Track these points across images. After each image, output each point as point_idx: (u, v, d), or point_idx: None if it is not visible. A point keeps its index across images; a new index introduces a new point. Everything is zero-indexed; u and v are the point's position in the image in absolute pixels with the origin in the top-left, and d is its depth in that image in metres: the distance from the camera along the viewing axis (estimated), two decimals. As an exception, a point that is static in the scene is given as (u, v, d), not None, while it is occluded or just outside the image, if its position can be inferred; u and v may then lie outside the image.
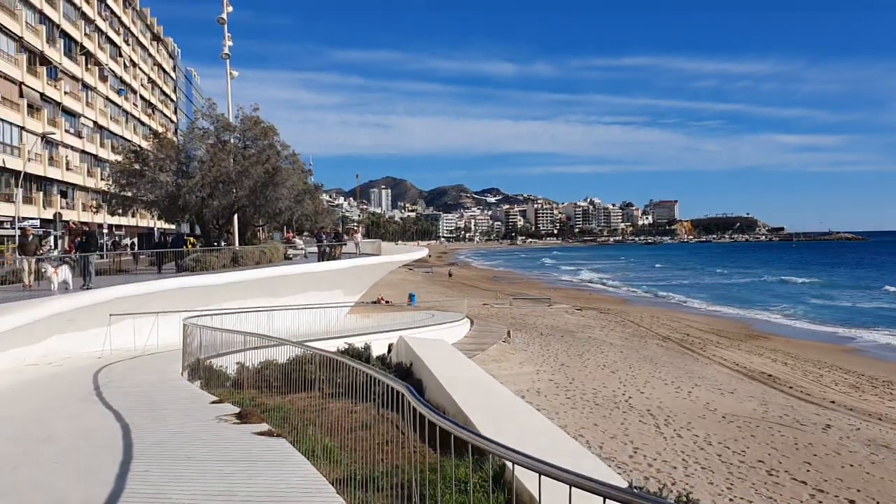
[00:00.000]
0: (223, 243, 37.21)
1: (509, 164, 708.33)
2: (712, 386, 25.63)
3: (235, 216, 37.65)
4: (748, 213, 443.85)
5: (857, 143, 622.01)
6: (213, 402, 10.48)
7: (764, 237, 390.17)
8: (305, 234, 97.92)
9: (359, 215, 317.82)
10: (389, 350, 23.37)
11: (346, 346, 14.80)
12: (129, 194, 36.30)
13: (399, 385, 5.59)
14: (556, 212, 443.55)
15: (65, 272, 20.15)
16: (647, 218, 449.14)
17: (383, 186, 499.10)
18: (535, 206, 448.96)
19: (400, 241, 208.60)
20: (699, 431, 18.92)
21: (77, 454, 7.43)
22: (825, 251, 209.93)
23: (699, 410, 21.31)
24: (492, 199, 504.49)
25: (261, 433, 8.06)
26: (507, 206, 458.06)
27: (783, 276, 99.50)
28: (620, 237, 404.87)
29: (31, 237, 25.05)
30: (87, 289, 19.23)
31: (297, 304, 26.19)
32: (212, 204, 34.85)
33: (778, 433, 18.90)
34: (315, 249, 38.88)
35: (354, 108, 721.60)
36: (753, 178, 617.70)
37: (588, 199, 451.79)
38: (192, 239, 42.16)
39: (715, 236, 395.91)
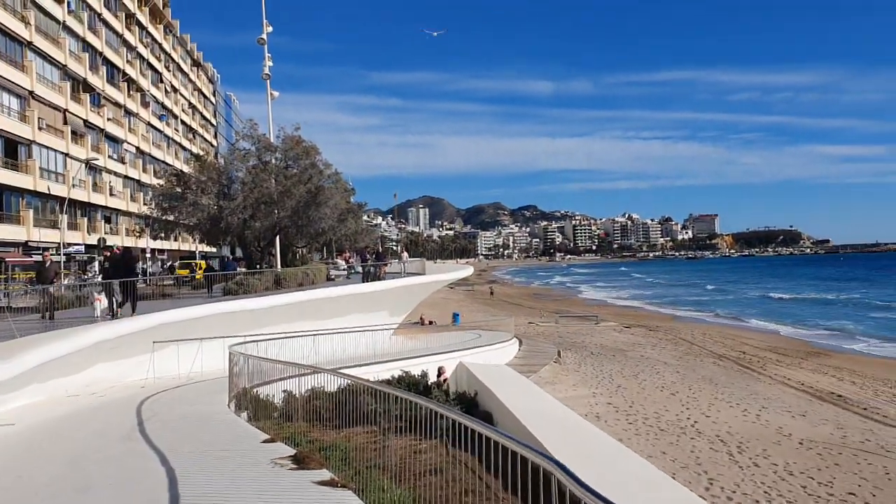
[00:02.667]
0: (265, 265, 36.75)
1: (546, 181, 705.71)
2: (781, 408, 24.15)
3: (277, 237, 37.18)
4: (791, 226, 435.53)
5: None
6: (265, 441, 9.62)
7: (809, 250, 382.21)
8: (346, 253, 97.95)
9: (397, 234, 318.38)
10: (439, 373, 22.40)
11: (402, 373, 13.87)
12: (171, 218, 36.08)
13: (547, 463, 4.16)
14: (594, 228, 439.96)
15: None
16: (686, 233, 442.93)
17: (421, 205, 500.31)
18: (573, 222, 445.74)
19: (438, 260, 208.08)
20: (777, 460, 17.57)
21: (117, 509, 6.59)
22: (875, 263, 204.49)
23: (772, 436, 19.91)
24: (529, 216, 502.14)
25: (322, 482, 7.14)
26: (544, 223, 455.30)
27: (845, 291, 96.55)
28: (660, 252, 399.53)
29: (48, 264, 23.00)
30: (115, 317, 18.54)
31: (341, 326, 25.42)
32: (254, 225, 34.40)
33: (864, 461, 17.45)
34: (358, 269, 38.29)
35: (393, 128, 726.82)
36: (795, 190, 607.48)
37: (626, 215, 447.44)
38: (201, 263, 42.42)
39: (757, 250, 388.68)
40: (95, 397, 15.33)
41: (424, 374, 15.16)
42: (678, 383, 28.63)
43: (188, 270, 37.40)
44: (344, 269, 45.08)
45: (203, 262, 46.10)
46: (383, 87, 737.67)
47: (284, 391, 14.22)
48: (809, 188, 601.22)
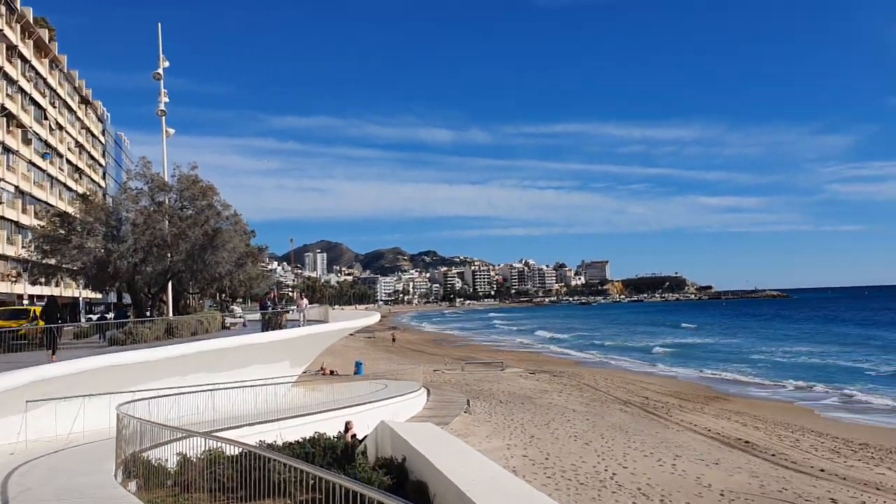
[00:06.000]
0: (155, 313, 34.44)
1: (445, 227, 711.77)
2: (694, 456, 24.02)
3: (170, 283, 34.94)
4: (677, 273, 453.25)
5: (776, 204, 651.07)
6: (162, 526, 8.19)
7: (693, 296, 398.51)
8: (239, 300, 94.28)
9: (294, 280, 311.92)
10: (346, 429, 21.03)
11: (316, 434, 12.58)
12: (53, 262, 33.27)
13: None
14: (492, 273, 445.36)
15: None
16: (580, 278, 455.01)
17: (318, 250, 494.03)
18: (473, 268, 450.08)
19: (336, 306, 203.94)
20: (702, 513, 17.15)
21: None
22: (755, 308, 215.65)
23: (693, 487, 19.57)
24: (429, 261, 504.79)
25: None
26: (444, 269, 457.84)
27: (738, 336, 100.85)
28: (555, 297, 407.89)
29: None
30: None
31: (241, 378, 23.70)
32: (145, 270, 32.19)
33: (786, 512, 17.28)
34: (255, 317, 36.50)
35: (291, 172, 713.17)
36: (680, 238, 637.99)
37: (523, 261, 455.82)
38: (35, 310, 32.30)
39: (646, 295, 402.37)
40: (-47, 468, 13.22)
41: (340, 436, 13.90)
42: (590, 432, 28.22)
43: (15, 322, 28.32)
44: (240, 317, 43.16)
45: (37, 309, 36.80)
46: (282, 130, 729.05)
47: (179, 454, 12.68)
48: (693, 237, 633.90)
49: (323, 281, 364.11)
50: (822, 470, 22.47)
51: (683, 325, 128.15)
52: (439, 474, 8.01)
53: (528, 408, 34.42)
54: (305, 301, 39.13)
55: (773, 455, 24.71)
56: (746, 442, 27.09)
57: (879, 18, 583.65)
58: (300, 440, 12.81)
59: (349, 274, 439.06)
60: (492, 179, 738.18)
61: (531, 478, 20.28)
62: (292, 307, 41.46)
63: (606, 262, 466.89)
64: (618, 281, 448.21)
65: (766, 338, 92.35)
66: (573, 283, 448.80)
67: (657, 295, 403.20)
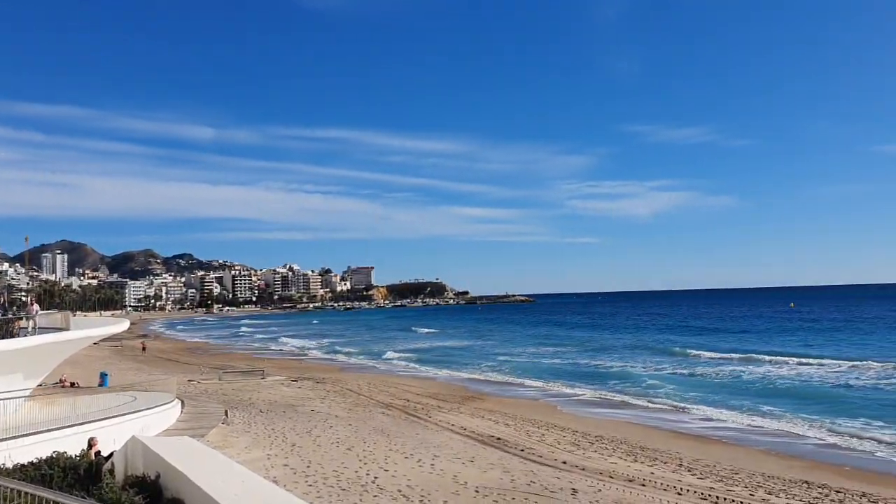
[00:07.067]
0: None
1: (205, 229, 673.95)
2: (451, 455, 25.08)
3: None
4: (437, 279, 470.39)
5: (527, 217, 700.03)
6: None
7: (452, 300, 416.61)
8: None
9: (28, 283, 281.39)
10: (90, 445, 19.35)
11: (55, 454, 11.34)
12: None
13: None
14: (254, 278, 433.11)
15: None
16: (346, 284, 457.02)
17: (58, 251, 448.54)
18: (233, 272, 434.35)
19: (79, 312, 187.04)
20: (459, 510, 17.93)
21: None
22: (504, 312, 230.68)
23: (450, 485, 20.39)
24: (185, 265, 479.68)
25: None
26: (201, 273, 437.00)
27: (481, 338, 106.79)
28: (320, 303, 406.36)
29: None
30: None
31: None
32: None
33: None
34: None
35: (30, 164, 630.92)
36: (441, 246, 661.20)
37: (287, 266, 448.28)
38: None
39: (409, 300, 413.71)
40: None
41: (83, 454, 12.65)
42: (352, 437, 28.42)
43: None
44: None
45: None
46: (20, 118, 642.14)
47: None
48: (452, 245, 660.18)
49: (64, 284, 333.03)
50: (565, 462, 24.47)
51: (424, 329, 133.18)
52: (197, 490, 7.62)
53: (289, 416, 33.91)
54: (36, 307, 35.21)
55: (522, 450, 26.49)
56: (498, 439, 28.80)
57: (610, 51, 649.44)
58: (35, 461, 11.53)
59: (94, 277, 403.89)
60: (257, 181, 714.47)
61: (292, 487, 19.96)
62: (23, 313, 37.28)
63: (372, 268, 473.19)
64: (382, 286, 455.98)
65: (509, 341, 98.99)
66: (339, 288, 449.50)
67: (419, 300, 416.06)
